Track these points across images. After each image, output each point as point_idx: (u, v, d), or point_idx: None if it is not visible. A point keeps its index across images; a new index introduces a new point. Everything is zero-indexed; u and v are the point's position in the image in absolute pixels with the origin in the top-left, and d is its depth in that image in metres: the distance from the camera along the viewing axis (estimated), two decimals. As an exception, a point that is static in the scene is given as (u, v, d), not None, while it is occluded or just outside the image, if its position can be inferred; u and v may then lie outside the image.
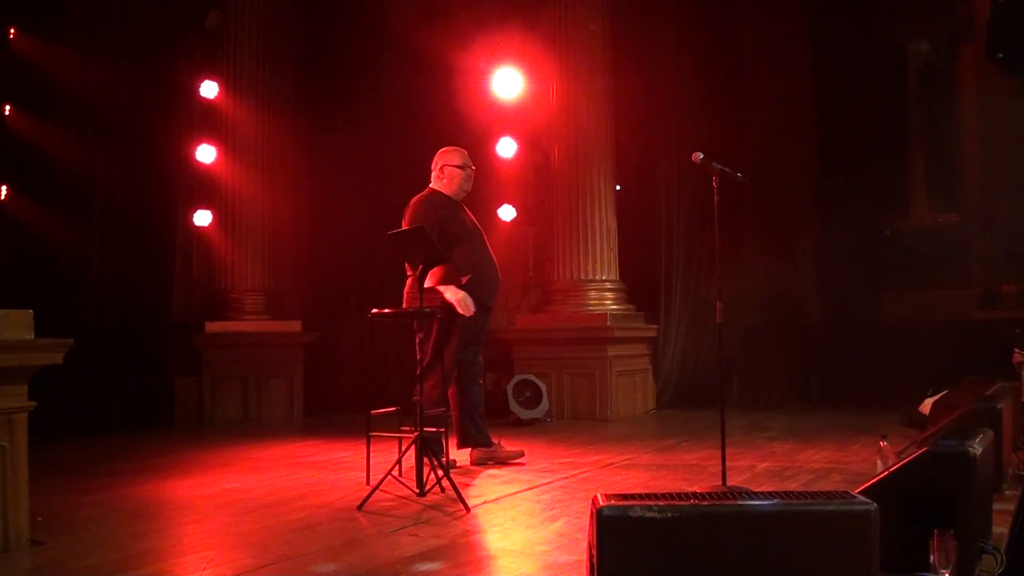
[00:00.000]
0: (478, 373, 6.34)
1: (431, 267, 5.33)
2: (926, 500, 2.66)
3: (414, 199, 6.18)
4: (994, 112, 10.04)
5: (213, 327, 9.70)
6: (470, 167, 6.29)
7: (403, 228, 5.61)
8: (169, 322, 9.57)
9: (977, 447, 3.23)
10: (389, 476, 5.06)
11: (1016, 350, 7.03)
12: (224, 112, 9.92)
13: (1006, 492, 4.60)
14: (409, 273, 6.00)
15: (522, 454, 6.41)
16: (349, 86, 10.33)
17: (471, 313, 5.87)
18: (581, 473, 5.96)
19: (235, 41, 10.01)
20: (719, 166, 5.14)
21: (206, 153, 9.83)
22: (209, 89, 9.82)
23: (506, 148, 9.94)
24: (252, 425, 9.26)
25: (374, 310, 5.47)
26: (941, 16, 10.78)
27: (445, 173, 6.22)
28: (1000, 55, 8.53)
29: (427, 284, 5.39)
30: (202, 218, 9.93)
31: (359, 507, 4.80)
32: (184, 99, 9.72)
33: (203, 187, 9.96)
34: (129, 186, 8.96)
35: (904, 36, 11.04)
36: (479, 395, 6.35)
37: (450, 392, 6.15)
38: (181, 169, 9.67)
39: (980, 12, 9.75)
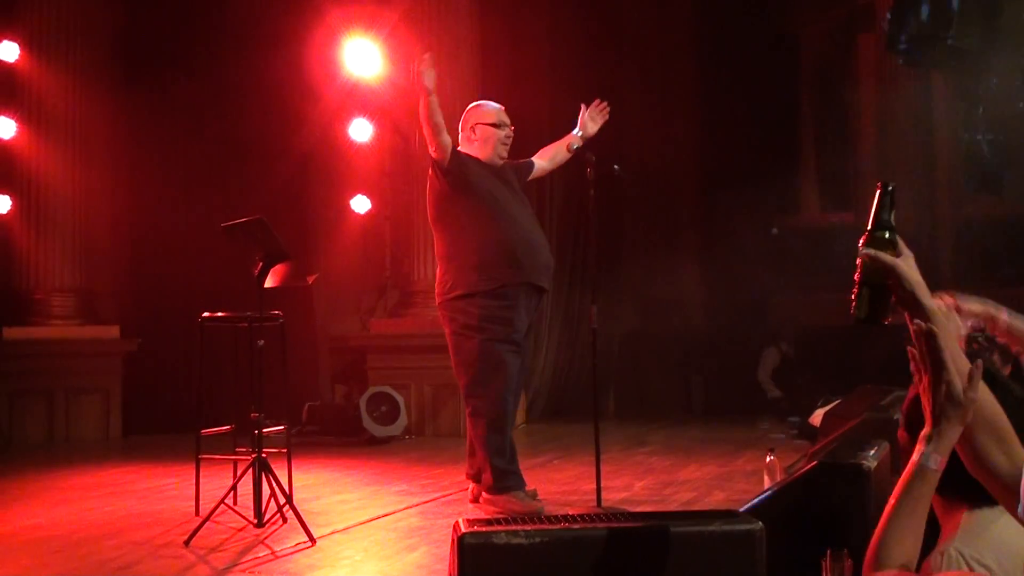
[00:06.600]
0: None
1: (273, 264, 5.20)
2: (818, 517, 2.73)
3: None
4: (894, 107, 10.39)
5: (12, 333, 9.33)
6: (508, 125, 5.67)
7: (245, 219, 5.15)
8: (-41, 328, 9.15)
9: (872, 460, 3.32)
10: (222, 505, 4.93)
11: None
12: (27, 79, 9.45)
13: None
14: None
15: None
16: (180, 59, 10.02)
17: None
18: (443, 496, 5.95)
19: (41, -6, 9.56)
20: (594, 156, 5.21)
21: (4, 127, 9.37)
22: (7, 51, 9.32)
23: (360, 131, 9.82)
24: (60, 448, 8.95)
25: (205, 313, 5.33)
26: (838, 3, 11.12)
27: (478, 133, 5.61)
28: (902, 46, 8.76)
29: (268, 284, 5.25)
30: (-1, 204, 9.50)
31: (186, 542, 4.69)
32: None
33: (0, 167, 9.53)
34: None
35: (798, 24, 11.36)
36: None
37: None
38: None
39: (881, -1, 10.05)
